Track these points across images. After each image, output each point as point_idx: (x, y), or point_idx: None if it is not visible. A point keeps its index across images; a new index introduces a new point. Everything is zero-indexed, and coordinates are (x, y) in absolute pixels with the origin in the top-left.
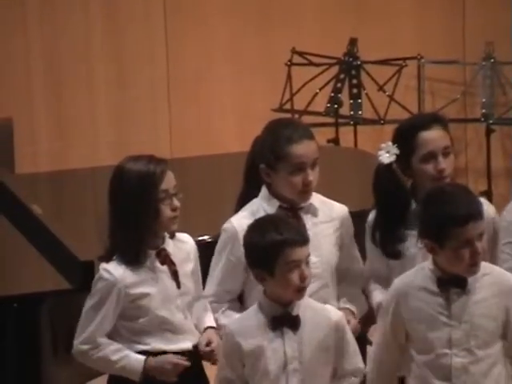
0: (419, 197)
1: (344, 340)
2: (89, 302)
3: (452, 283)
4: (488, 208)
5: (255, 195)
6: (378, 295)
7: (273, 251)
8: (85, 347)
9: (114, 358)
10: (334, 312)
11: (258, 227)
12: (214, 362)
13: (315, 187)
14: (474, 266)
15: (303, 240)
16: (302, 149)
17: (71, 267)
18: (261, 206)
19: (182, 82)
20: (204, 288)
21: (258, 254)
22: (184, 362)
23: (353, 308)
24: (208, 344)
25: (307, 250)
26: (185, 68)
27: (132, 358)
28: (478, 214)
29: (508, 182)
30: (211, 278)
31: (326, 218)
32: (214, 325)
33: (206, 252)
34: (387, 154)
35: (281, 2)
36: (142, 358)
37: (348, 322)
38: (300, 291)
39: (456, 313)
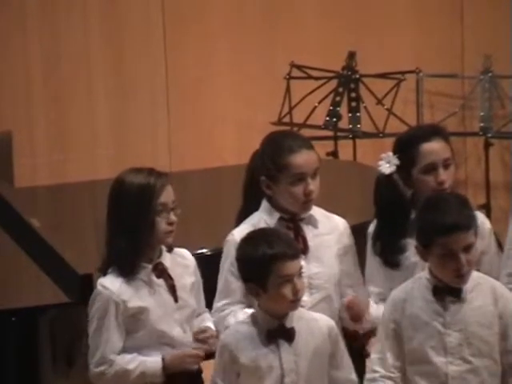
0: (419, 207)
1: (338, 348)
2: (92, 324)
3: (447, 291)
4: (483, 220)
5: (255, 210)
6: (377, 310)
7: (264, 266)
8: (101, 369)
9: (131, 367)
10: (326, 320)
11: (249, 241)
12: (205, 351)
13: (316, 199)
14: (458, 277)
15: (294, 253)
16: (303, 159)
17: (70, 280)
18: (262, 218)
19: (181, 95)
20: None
21: (250, 268)
22: (200, 352)
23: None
24: (204, 332)
25: (299, 264)
26: (184, 80)
27: (148, 362)
28: (465, 225)
29: (507, 194)
30: (218, 292)
31: (327, 230)
32: (213, 327)
33: (205, 265)
34: (388, 165)
35: (281, 15)
36: (158, 358)
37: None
38: (293, 303)
39: (451, 321)
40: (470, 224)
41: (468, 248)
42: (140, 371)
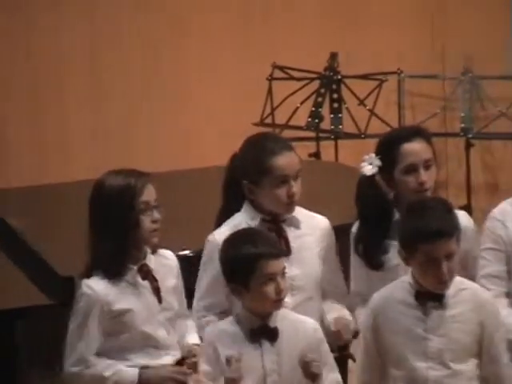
0: (402, 208)
1: (322, 350)
2: (73, 322)
3: (429, 297)
4: (467, 220)
5: (235, 211)
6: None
7: (247, 265)
8: (76, 369)
9: (107, 373)
10: (310, 323)
11: (233, 241)
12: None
13: (298, 201)
14: (440, 284)
15: (278, 253)
16: (285, 161)
17: (51, 282)
18: (243, 219)
19: (161, 96)
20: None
21: (233, 267)
22: (184, 378)
23: (342, 312)
24: (193, 357)
25: (282, 263)
26: (164, 81)
27: (124, 372)
28: (447, 233)
29: (488, 195)
30: (197, 292)
31: (309, 231)
32: (198, 342)
33: (187, 267)
34: (370, 166)
35: (262, 17)
36: (135, 370)
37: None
38: (276, 303)
39: (432, 326)
40: (452, 231)
41: (450, 255)
42: (114, 380)
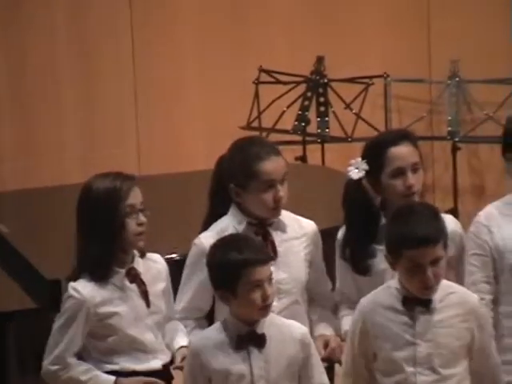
0: (389, 212)
1: (310, 356)
2: (57, 322)
3: (417, 302)
4: (454, 224)
5: (222, 215)
6: (347, 324)
7: (234, 271)
8: (54, 368)
9: (84, 378)
10: (298, 327)
11: (219, 247)
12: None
13: (284, 204)
14: (425, 290)
15: (264, 259)
16: (272, 165)
17: (38, 286)
18: (230, 223)
19: (149, 99)
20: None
21: (220, 274)
22: (158, 381)
23: (328, 332)
24: (182, 360)
25: (269, 269)
26: (152, 84)
27: (101, 378)
28: (433, 239)
29: (474, 199)
30: (180, 295)
31: (296, 235)
32: (187, 345)
33: (174, 270)
34: (356, 170)
35: (249, 20)
36: (111, 378)
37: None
38: (264, 310)
39: (420, 331)
40: (438, 237)
41: (436, 261)
42: None
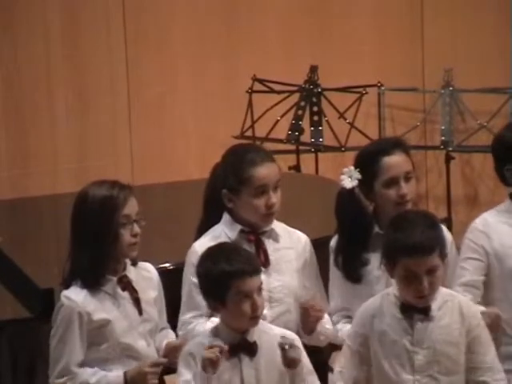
0: (382, 221)
1: (301, 361)
2: (55, 335)
3: (415, 309)
4: (445, 233)
5: (215, 223)
6: (343, 330)
7: (223, 282)
8: (61, 380)
9: (93, 380)
10: (289, 335)
11: (209, 257)
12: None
13: (278, 213)
14: (420, 299)
15: (254, 270)
16: (265, 171)
17: (31, 295)
18: (223, 231)
19: (143, 108)
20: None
21: (209, 284)
22: (161, 360)
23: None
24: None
25: (259, 280)
26: (146, 94)
27: (110, 377)
28: (428, 248)
29: (468, 208)
30: (183, 304)
31: (288, 245)
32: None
33: (167, 279)
34: (349, 179)
35: (243, 29)
36: (119, 373)
37: None
38: (253, 320)
39: (419, 338)
40: (433, 246)
41: (432, 270)
42: None
